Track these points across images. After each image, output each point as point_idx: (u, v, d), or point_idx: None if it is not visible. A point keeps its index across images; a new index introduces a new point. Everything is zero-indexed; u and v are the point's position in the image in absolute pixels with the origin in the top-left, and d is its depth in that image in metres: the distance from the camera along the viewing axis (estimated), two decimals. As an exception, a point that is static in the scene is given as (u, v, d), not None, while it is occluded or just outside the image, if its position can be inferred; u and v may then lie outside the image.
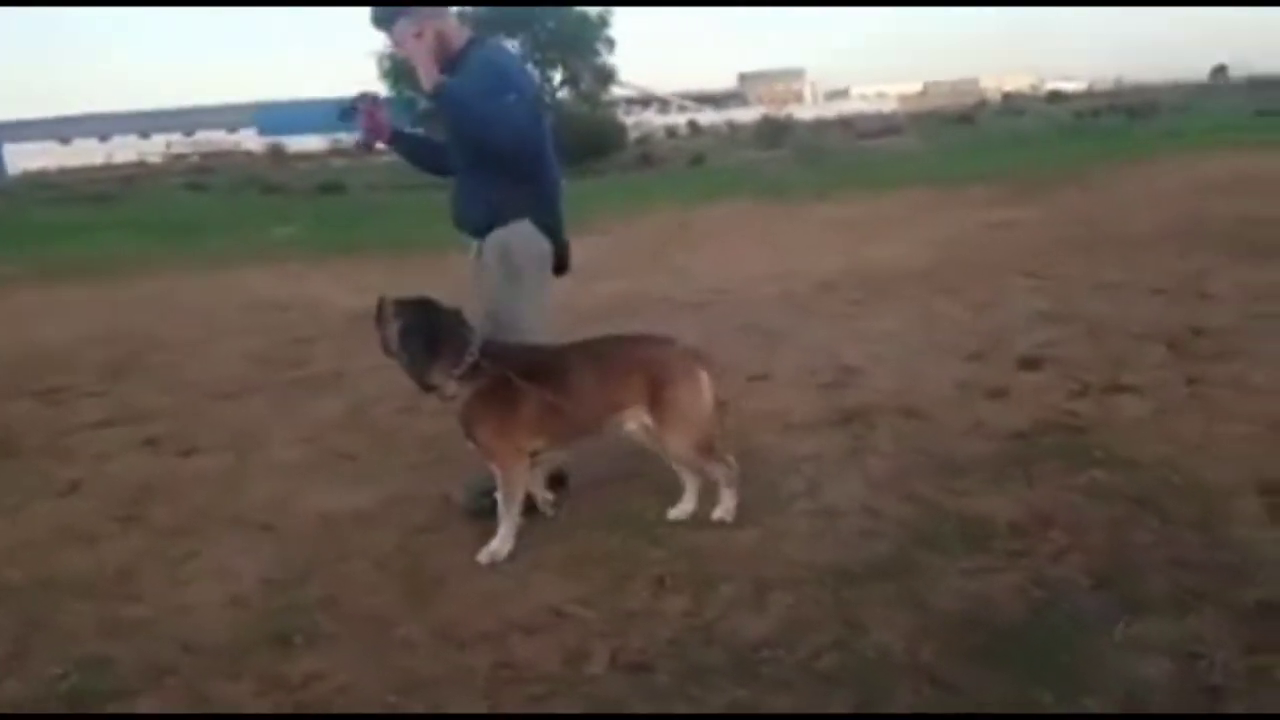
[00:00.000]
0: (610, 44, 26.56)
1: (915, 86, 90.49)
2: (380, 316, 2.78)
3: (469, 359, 2.68)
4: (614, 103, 28.92)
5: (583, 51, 26.28)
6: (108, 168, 39.10)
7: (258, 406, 4.52)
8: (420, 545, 2.88)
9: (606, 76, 27.15)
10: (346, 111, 2.93)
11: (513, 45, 25.37)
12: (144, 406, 4.58)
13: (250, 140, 51.05)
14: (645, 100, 51.30)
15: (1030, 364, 4.20)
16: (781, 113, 41.63)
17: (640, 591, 2.50)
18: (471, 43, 2.84)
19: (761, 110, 49.08)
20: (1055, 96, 49.49)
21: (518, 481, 2.74)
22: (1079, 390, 3.79)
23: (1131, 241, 7.08)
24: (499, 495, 2.75)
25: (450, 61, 2.78)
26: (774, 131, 31.83)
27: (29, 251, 11.06)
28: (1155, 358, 4.17)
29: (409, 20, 2.75)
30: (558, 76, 26.67)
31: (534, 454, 2.80)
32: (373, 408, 4.38)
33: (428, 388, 2.76)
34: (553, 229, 2.93)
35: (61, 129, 57.07)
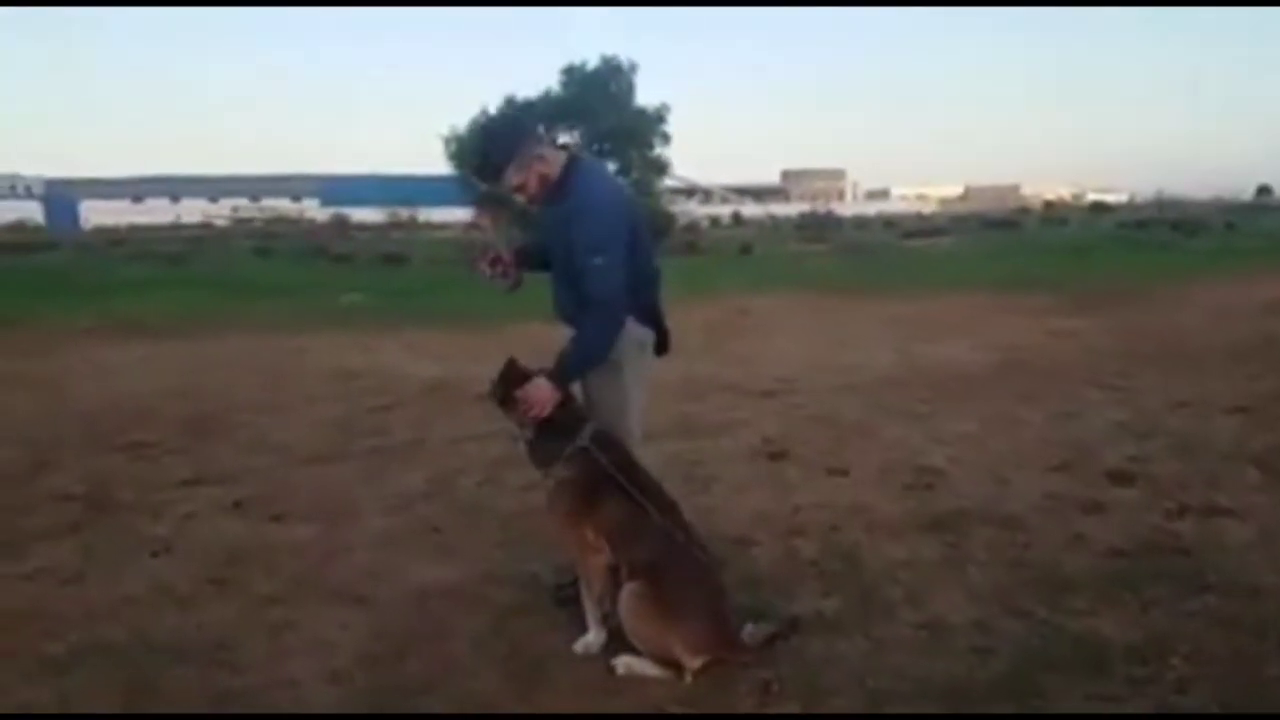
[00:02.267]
0: (666, 138, 27.35)
1: (956, 189, 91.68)
2: (510, 378, 2.79)
3: (580, 442, 2.69)
4: (662, 193, 29.62)
5: (638, 144, 27.05)
6: (176, 227, 40.58)
7: (342, 474, 4.57)
8: (516, 627, 2.86)
9: (660, 168, 27.87)
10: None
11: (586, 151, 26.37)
12: (229, 467, 4.64)
13: (313, 210, 52.99)
14: (690, 190, 52.49)
15: (1121, 478, 4.12)
16: (823, 209, 42.38)
17: (746, 697, 2.45)
18: (570, 166, 2.89)
19: (803, 206, 50.00)
20: (1098, 207, 49.82)
21: (593, 573, 2.69)
22: (1176, 510, 3.70)
23: (1200, 358, 7.01)
24: (581, 585, 2.73)
25: (555, 190, 2.88)
26: (817, 226, 32.36)
27: (107, 306, 11.41)
28: (1250, 479, 4.08)
29: (514, 170, 2.83)
30: (613, 167, 27.42)
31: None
32: (455, 479, 4.40)
33: (544, 464, 2.75)
34: (652, 315, 3.04)
35: (135, 189, 59.71)
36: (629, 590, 2.55)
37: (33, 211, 50.72)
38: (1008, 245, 22.56)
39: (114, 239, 32.41)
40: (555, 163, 2.87)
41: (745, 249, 25.40)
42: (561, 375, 2.82)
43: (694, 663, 2.50)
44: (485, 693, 2.47)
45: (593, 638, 2.70)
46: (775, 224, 45.27)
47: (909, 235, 29.95)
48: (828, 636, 2.75)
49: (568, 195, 2.86)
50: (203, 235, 34.63)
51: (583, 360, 2.86)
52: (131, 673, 2.57)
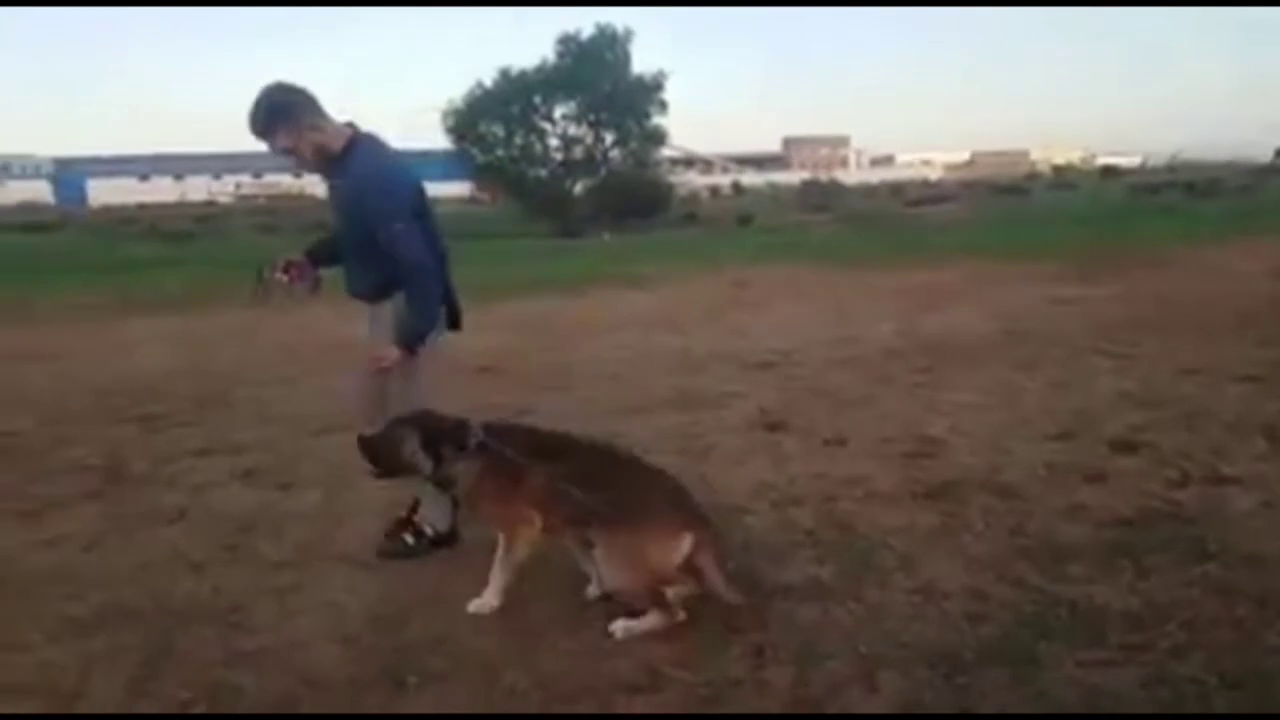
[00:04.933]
0: (663, 106, 27.16)
1: (962, 155, 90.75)
2: (376, 450, 2.90)
3: (474, 439, 2.76)
4: (659, 163, 29.48)
5: (636, 114, 26.88)
6: (181, 205, 40.65)
7: (347, 443, 4.61)
8: (512, 591, 2.91)
9: (658, 138, 27.70)
10: (266, 284, 3.25)
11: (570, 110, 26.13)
12: (238, 439, 4.72)
13: (315, 185, 52.72)
14: (689, 160, 52.14)
15: (1124, 447, 4.14)
16: (825, 177, 42.05)
17: (740, 660, 2.51)
18: (352, 142, 3.04)
19: (805, 174, 49.55)
20: (1109, 171, 49.31)
21: (521, 544, 2.78)
22: (1179, 479, 3.72)
23: (1209, 325, 6.98)
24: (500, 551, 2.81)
25: (333, 164, 3.03)
26: (820, 195, 32.17)
27: (116, 282, 11.49)
28: (1255, 449, 4.08)
29: (285, 134, 2.96)
30: (610, 137, 27.30)
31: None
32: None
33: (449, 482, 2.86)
34: (443, 293, 3.20)
35: (140, 167, 59.65)
36: (598, 555, 2.64)
37: (42, 191, 50.83)
38: (1014, 212, 22.44)
39: (122, 217, 32.53)
40: (336, 136, 3.01)
41: (745, 219, 25.30)
42: (407, 344, 3.04)
43: (677, 556, 2.57)
44: (487, 652, 2.54)
45: (488, 599, 2.79)
46: (776, 193, 44.99)
47: (914, 203, 29.73)
48: (822, 602, 2.79)
49: (349, 169, 3.01)
50: (208, 214, 34.66)
51: (420, 324, 3.05)
52: (150, 634, 2.65)
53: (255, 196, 50.39)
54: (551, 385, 5.87)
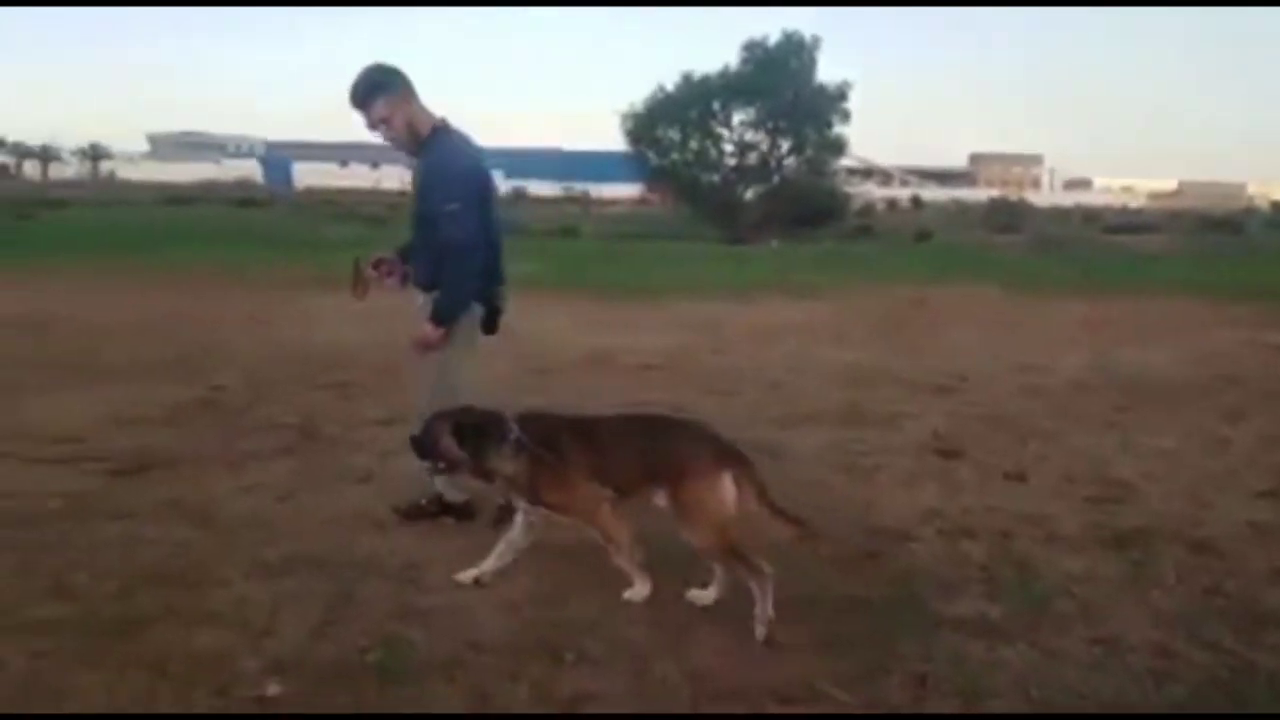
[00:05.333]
0: (845, 116, 26.58)
1: (1168, 184, 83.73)
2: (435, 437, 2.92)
3: (511, 436, 2.80)
4: (836, 172, 28.84)
5: (816, 122, 26.45)
6: (375, 192, 43.70)
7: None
8: (662, 585, 2.92)
9: (837, 147, 27.14)
10: (362, 278, 3.54)
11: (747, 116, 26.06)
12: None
13: (496, 181, 55.46)
14: (867, 171, 50.91)
15: (1344, 515, 3.70)
16: (1014, 196, 39.90)
17: (900, 687, 2.42)
18: (438, 129, 3.29)
19: (992, 192, 47.25)
20: (1341, 211, 43.89)
21: (610, 526, 2.82)
22: None
23: None
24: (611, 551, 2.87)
25: (418, 144, 3.29)
26: (1007, 215, 30.50)
27: (318, 260, 12.51)
28: None
29: (382, 104, 3.20)
30: (786, 144, 26.99)
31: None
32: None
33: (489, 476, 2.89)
34: (484, 293, 3.36)
35: (341, 153, 64.79)
36: (676, 516, 2.71)
37: (253, 170, 56.07)
38: (1225, 248, 20.43)
39: (323, 199, 35.46)
40: (425, 121, 3.28)
41: (923, 235, 24.40)
42: (439, 320, 3.20)
43: (728, 494, 2.65)
44: (638, 641, 2.58)
45: (639, 588, 2.83)
46: (959, 210, 43.16)
47: (1112, 230, 27.78)
48: (990, 640, 2.66)
49: (428, 152, 3.26)
50: (399, 202, 37.10)
51: (452, 302, 3.22)
52: (333, 583, 2.86)
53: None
54: (716, 389, 5.88)
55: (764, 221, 25.02)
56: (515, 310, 9.55)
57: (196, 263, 12.46)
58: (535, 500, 2.84)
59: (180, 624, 2.58)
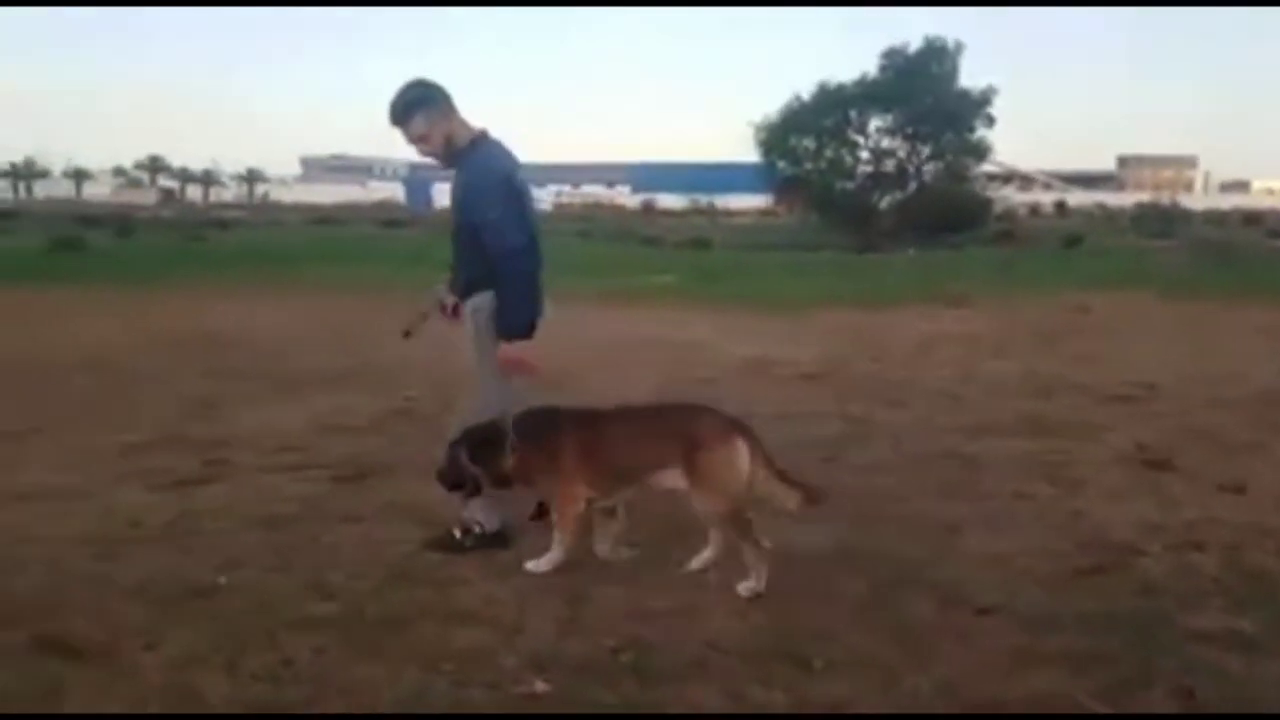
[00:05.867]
0: (990, 120, 25.70)
1: (1335, 186, 76.48)
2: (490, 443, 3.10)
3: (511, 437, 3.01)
4: (976, 177, 27.88)
5: (957, 127, 25.69)
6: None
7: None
8: (897, 598, 2.90)
9: (980, 152, 26.27)
10: (424, 319, 3.64)
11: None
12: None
13: (623, 196, 56.87)
14: (1007, 176, 48.95)
15: None
16: (1167, 200, 37.50)
17: (1166, 699, 2.33)
18: (475, 141, 3.29)
19: (1141, 196, 44.58)
20: None
21: (569, 509, 3.03)
22: None
23: None
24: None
25: (456, 157, 3.30)
26: (1160, 219, 28.70)
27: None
28: None
29: (420, 120, 3.23)
30: (926, 150, 26.32)
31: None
32: (795, 453, 4.52)
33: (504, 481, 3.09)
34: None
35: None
36: (690, 495, 2.90)
37: (395, 191, 59.01)
38: None
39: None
40: (464, 132, 3.28)
41: (1072, 241, 23.18)
42: (508, 333, 3.18)
43: (742, 461, 2.84)
44: (879, 653, 2.55)
45: (546, 560, 3.04)
46: (1106, 215, 40.88)
47: (1276, 234, 25.66)
48: (1248, 654, 2.53)
49: (465, 163, 3.27)
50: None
51: (515, 311, 3.20)
52: (568, 582, 2.97)
53: (571, 205, 54.99)
54: (886, 399, 5.78)
55: (897, 229, 24.45)
56: (662, 321, 9.77)
57: (354, 279, 13.19)
58: (527, 483, 3.09)
59: (436, 621, 2.73)
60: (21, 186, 74.14)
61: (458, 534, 3.29)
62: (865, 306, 10.62)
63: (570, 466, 2.99)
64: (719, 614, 2.78)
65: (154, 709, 2.30)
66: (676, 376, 6.51)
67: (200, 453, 4.42)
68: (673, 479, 2.92)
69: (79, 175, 77.38)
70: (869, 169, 26.87)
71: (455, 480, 3.09)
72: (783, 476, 2.92)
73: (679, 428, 2.95)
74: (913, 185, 26.45)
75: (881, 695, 2.35)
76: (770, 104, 35.18)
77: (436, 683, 2.40)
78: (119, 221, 28.50)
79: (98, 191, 72.11)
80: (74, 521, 3.56)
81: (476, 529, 3.27)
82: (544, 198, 60.56)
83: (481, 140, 3.32)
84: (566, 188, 65.49)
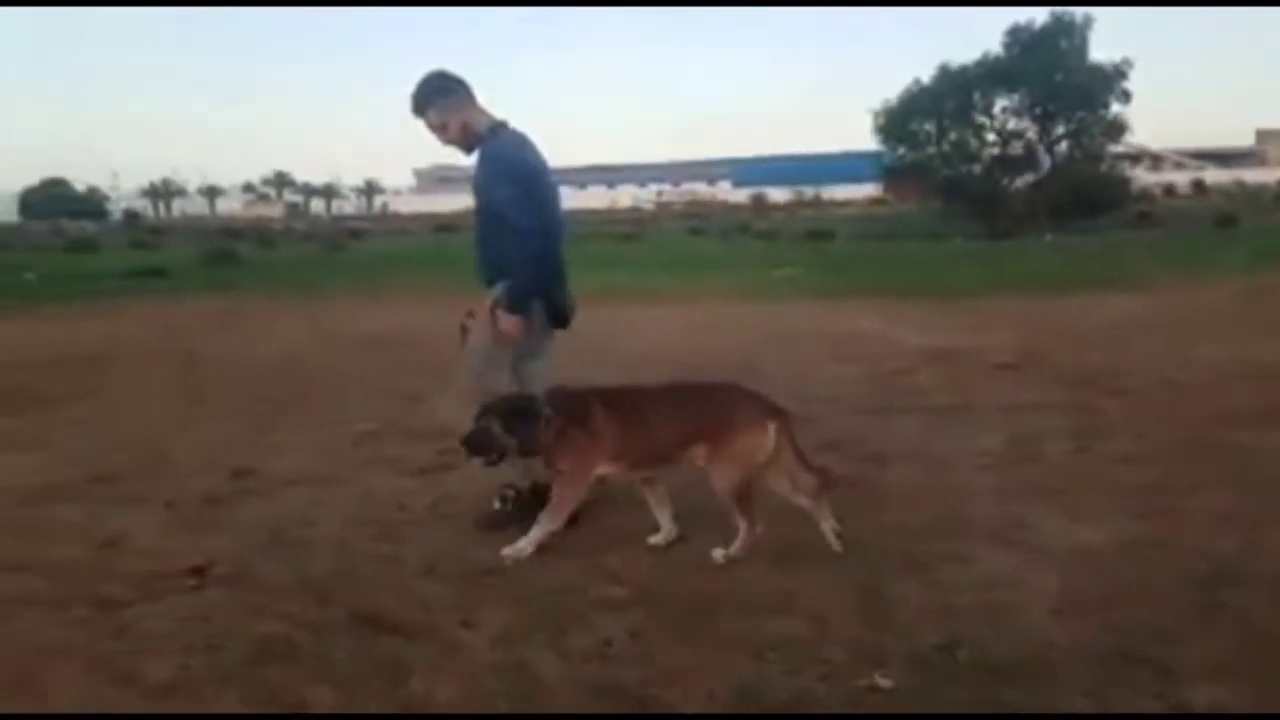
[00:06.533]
0: (1126, 96, 24.27)
1: None
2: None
3: (545, 413, 3.05)
4: (1108, 156, 26.34)
5: (1091, 104, 24.36)
6: (612, 211, 45.72)
7: (909, 426, 4.74)
8: (1233, 598, 2.66)
9: (1117, 130, 24.84)
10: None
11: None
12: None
13: (725, 192, 56.73)
14: (1137, 155, 46.31)
15: None
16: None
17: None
18: (491, 130, 3.41)
19: (1283, 172, 41.44)
20: None
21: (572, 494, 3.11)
22: None
23: None
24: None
25: (474, 146, 3.43)
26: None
27: (589, 276, 13.10)
28: None
29: (436, 111, 3.37)
30: (1058, 130, 25.06)
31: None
32: (1039, 444, 4.31)
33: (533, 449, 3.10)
34: (547, 288, 3.42)
35: (579, 177, 68.52)
36: (708, 469, 3.00)
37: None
38: None
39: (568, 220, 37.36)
40: (482, 121, 3.41)
41: (1225, 220, 21.69)
42: (511, 304, 3.26)
43: (768, 443, 2.95)
44: (1235, 658, 2.34)
45: (523, 545, 3.07)
46: (1247, 193, 38.12)
47: None
48: None
49: (485, 148, 3.39)
50: (639, 219, 38.54)
51: (524, 284, 3.28)
52: (853, 578, 2.86)
53: (672, 203, 55.06)
54: (1103, 388, 5.44)
55: (1029, 213, 23.38)
56: (816, 312, 9.55)
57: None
58: (548, 464, 3.09)
59: (736, 609, 2.68)
60: (160, 204, 79.43)
61: (498, 504, 3.40)
62: (1028, 293, 10.15)
63: (604, 442, 3.05)
64: (1032, 613, 2.61)
65: (490, 685, 2.31)
66: (873, 369, 6.29)
67: (429, 442, 4.51)
68: (699, 456, 3.03)
69: (212, 192, 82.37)
70: (995, 151, 25.77)
71: (483, 448, 3.09)
72: (804, 461, 3.04)
73: (712, 408, 3.08)
74: (1044, 167, 25.18)
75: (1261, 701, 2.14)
76: (877, 92, 34.18)
77: (767, 671, 2.33)
78: (258, 235, 30.17)
79: (229, 207, 76.60)
80: (343, 505, 3.70)
81: (512, 493, 3.38)
82: (645, 196, 60.91)
83: (500, 129, 3.44)
84: (667, 185, 65.68)
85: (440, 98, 3.39)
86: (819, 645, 2.45)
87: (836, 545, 3.03)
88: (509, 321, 3.29)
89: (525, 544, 3.06)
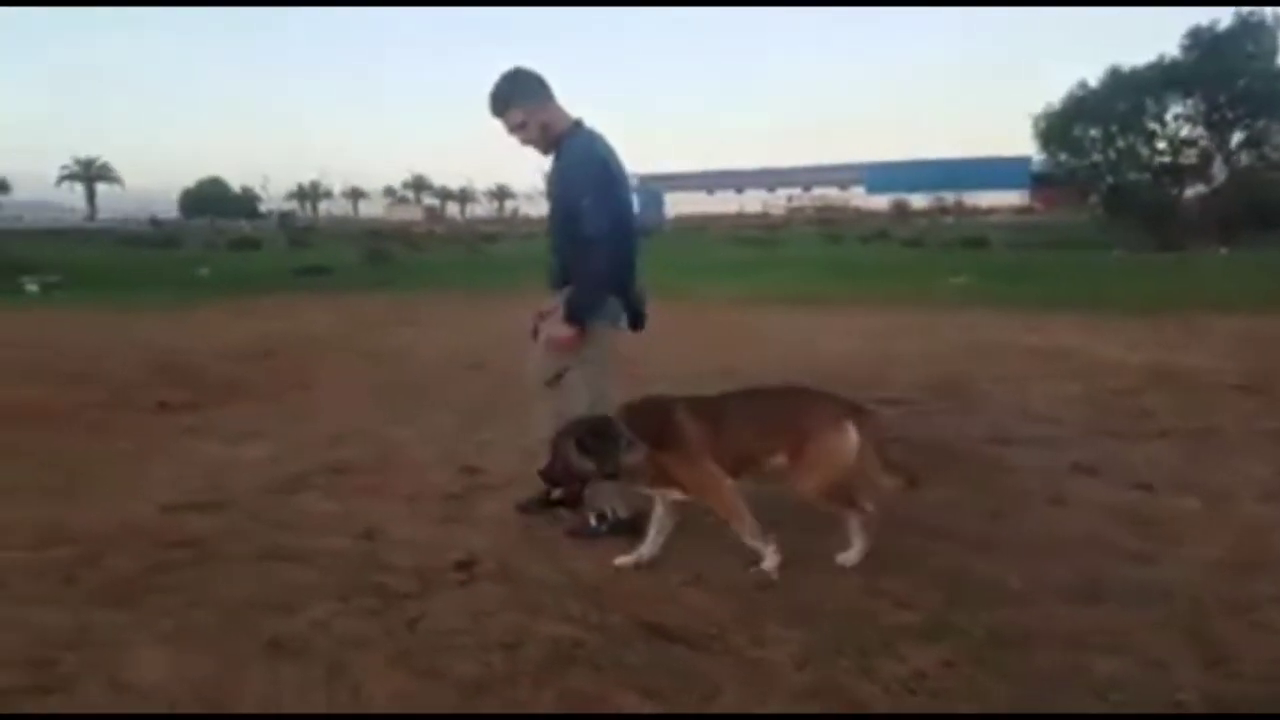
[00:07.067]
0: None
1: None
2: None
3: (625, 436, 2.87)
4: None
5: (1276, 111, 22.44)
6: (741, 216, 45.51)
7: (1158, 452, 4.36)
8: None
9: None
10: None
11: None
12: (1017, 431, 4.76)
13: (857, 197, 55.54)
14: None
15: None
16: None
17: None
18: (573, 127, 3.31)
19: None
20: None
21: (732, 503, 2.93)
22: None
23: None
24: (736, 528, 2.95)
25: (553, 145, 3.32)
26: None
27: (717, 281, 12.95)
28: None
29: (517, 110, 3.26)
30: (1238, 137, 23.20)
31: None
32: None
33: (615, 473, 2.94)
34: (624, 291, 3.31)
35: (707, 181, 68.51)
36: (792, 476, 2.90)
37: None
38: None
39: (692, 226, 37.42)
40: (561, 120, 3.30)
41: None
42: (572, 313, 3.15)
43: (850, 443, 2.84)
44: None
45: (769, 561, 2.92)
46: None
47: None
48: None
49: (564, 151, 3.29)
50: (769, 224, 38.14)
51: (589, 295, 3.16)
52: (1180, 618, 2.63)
53: (803, 208, 54.31)
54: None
55: (1201, 224, 21.71)
56: (1007, 323, 9.07)
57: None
58: (661, 483, 2.94)
59: (1052, 644, 2.47)
60: (307, 205, 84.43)
61: (593, 521, 3.32)
62: (1224, 310, 9.31)
63: (698, 454, 2.92)
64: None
65: (814, 709, 2.20)
66: (1091, 387, 5.85)
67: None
68: (781, 461, 2.94)
69: (355, 194, 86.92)
70: (1166, 159, 24.06)
71: (563, 476, 2.94)
72: (889, 463, 2.93)
73: (794, 414, 2.97)
74: (1220, 177, 23.34)
75: None
76: (1054, 94, 32.13)
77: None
78: (403, 236, 31.53)
79: (371, 209, 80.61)
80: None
81: (610, 514, 3.30)
82: (776, 202, 60.19)
83: (579, 128, 3.35)
84: (797, 190, 64.68)
85: (521, 97, 3.29)
86: (1167, 690, 2.22)
87: (851, 558, 2.97)
88: (564, 331, 3.18)
89: (769, 562, 2.94)
